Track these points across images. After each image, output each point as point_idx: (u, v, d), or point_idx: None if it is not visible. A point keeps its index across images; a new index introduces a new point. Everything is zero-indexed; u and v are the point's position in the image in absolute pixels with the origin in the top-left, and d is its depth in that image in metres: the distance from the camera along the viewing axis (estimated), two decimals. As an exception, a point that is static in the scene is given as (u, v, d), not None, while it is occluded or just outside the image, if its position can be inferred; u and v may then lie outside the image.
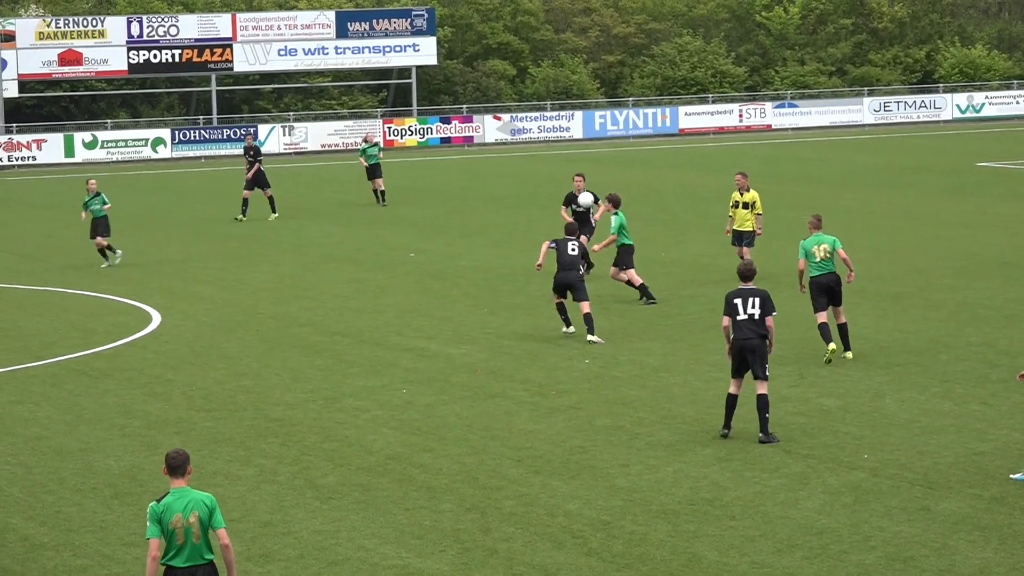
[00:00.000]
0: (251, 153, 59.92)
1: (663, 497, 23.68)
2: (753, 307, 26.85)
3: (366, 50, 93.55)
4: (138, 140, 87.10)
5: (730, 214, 42.56)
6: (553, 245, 35.66)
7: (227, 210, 62.44)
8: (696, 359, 33.34)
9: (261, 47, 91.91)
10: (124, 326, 38.65)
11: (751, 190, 42.26)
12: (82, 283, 44.91)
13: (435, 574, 20.62)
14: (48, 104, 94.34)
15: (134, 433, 28.46)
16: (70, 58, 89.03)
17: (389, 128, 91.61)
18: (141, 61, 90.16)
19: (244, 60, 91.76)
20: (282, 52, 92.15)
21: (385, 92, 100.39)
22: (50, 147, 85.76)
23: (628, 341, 35.44)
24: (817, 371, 31.82)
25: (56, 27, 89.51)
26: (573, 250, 35.37)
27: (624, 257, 39.79)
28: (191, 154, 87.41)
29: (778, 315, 27.78)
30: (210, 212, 63.53)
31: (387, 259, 48.78)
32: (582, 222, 41.93)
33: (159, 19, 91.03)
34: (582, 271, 35.60)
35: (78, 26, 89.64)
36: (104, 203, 48.01)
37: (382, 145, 63.27)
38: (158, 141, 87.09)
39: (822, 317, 32.96)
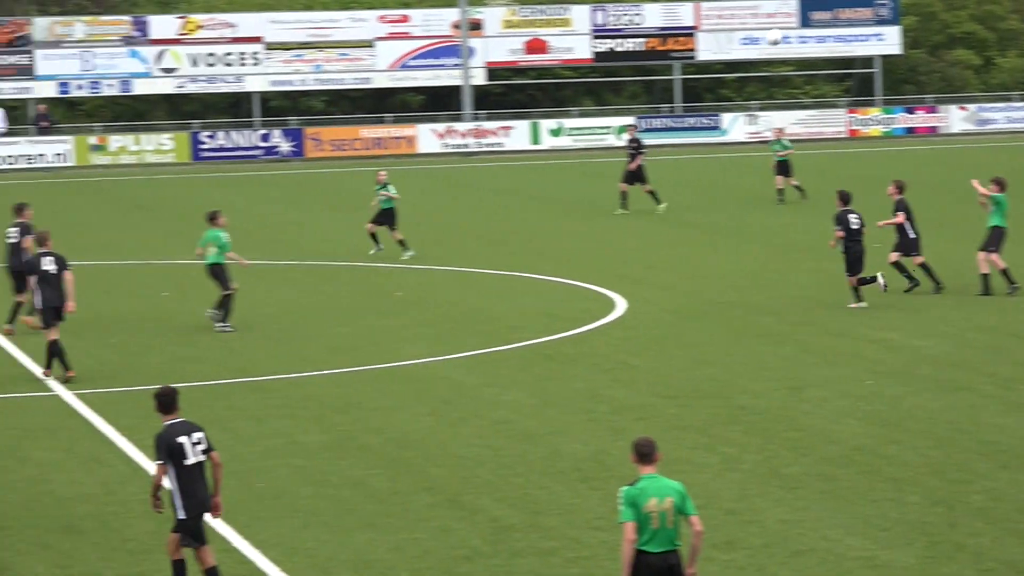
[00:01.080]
0: (634, 145, 59.22)
1: None
2: None
3: (829, 39, 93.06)
4: (603, 128, 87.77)
5: None
6: None
7: (682, 198, 62.40)
8: None
9: (724, 36, 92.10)
10: (589, 312, 38.96)
11: None
12: (546, 268, 45.35)
13: (902, 567, 20.41)
14: (514, 92, 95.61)
15: (600, 418, 28.72)
16: (536, 46, 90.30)
17: (853, 118, 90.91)
18: (605, 50, 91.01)
19: (707, 49, 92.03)
20: (744, 41, 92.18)
21: (849, 81, 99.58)
22: (517, 134, 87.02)
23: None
24: None
25: (522, 16, 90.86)
26: None
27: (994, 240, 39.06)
28: (656, 142, 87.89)
29: None
30: (675, 200, 63.57)
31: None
32: None
33: (623, 8, 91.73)
34: None
35: (543, 15, 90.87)
36: (394, 193, 47.27)
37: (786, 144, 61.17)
38: (621, 129, 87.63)
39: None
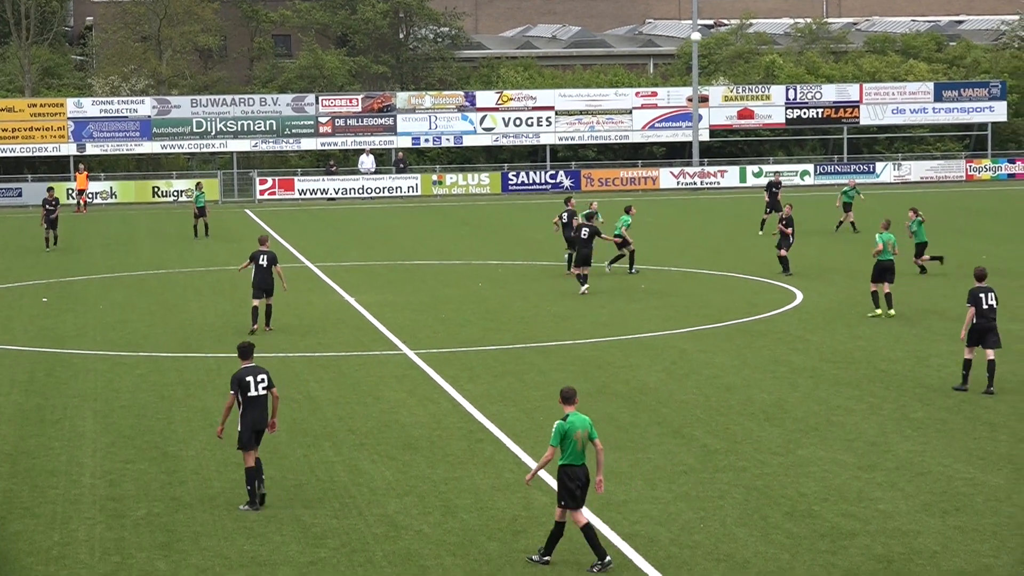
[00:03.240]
0: (775, 187, 57.60)
1: None
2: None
3: (955, 110, 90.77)
4: (791, 171, 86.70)
5: None
6: None
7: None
8: None
9: (880, 107, 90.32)
10: (777, 301, 38.56)
11: None
12: (748, 269, 44.76)
13: (993, 486, 20.06)
14: (729, 145, 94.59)
15: (781, 376, 28.48)
16: (745, 114, 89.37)
17: (970, 166, 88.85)
18: (795, 116, 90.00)
19: (867, 116, 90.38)
20: (894, 111, 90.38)
21: (968, 140, 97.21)
22: (729, 175, 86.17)
23: None
24: None
25: (736, 92, 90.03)
26: None
27: None
28: (828, 182, 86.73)
29: None
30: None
31: None
32: None
33: (808, 87, 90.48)
34: None
35: (751, 92, 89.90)
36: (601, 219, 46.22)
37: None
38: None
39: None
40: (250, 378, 19.91)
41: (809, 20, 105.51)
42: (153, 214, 73.74)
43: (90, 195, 79.34)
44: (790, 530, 18.43)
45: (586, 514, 17.35)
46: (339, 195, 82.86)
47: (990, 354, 26.18)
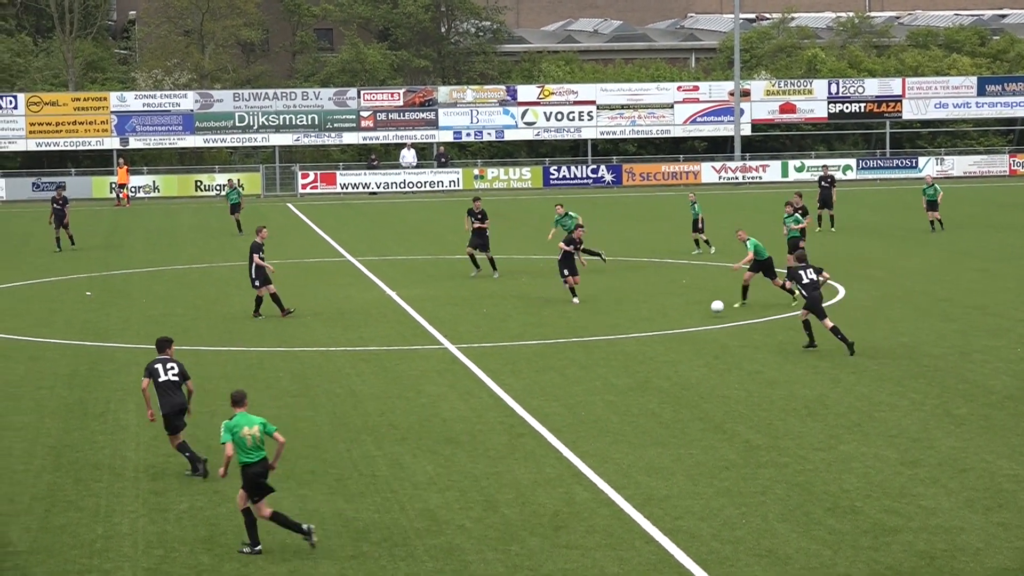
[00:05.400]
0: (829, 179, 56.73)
1: None
2: None
3: (998, 104, 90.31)
4: (833, 166, 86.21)
5: None
6: None
7: (884, 216, 61.14)
8: None
9: (922, 102, 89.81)
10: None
11: None
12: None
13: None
14: (771, 140, 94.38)
15: (823, 371, 28.33)
16: (787, 108, 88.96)
17: (1013, 160, 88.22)
18: (837, 111, 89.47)
19: (910, 111, 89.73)
20: (937, 106, 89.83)
21: (1011, 135, 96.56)
22: (771, 170, 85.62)
23: None
24: None
25: (778, 87, 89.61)
26: None
27: None
28: (870, 176, 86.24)
29: None
30: (880, 216, 62.30)
31: None
32: None
33: (850, 82, 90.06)
34: None
35: (793, 86, 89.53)
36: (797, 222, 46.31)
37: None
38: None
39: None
40: (159, 366, 21.45)
41: (851, 14, 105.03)
42: (196, 208, 74.03)
43: (133, 189, 79.72)
44: (832, 526, 18.36)
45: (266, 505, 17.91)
46: (380, 189, 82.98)
47: None
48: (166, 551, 18.00)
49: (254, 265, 35.51)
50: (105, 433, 24.14)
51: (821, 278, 30.44)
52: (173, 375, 21.42)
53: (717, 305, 35.23)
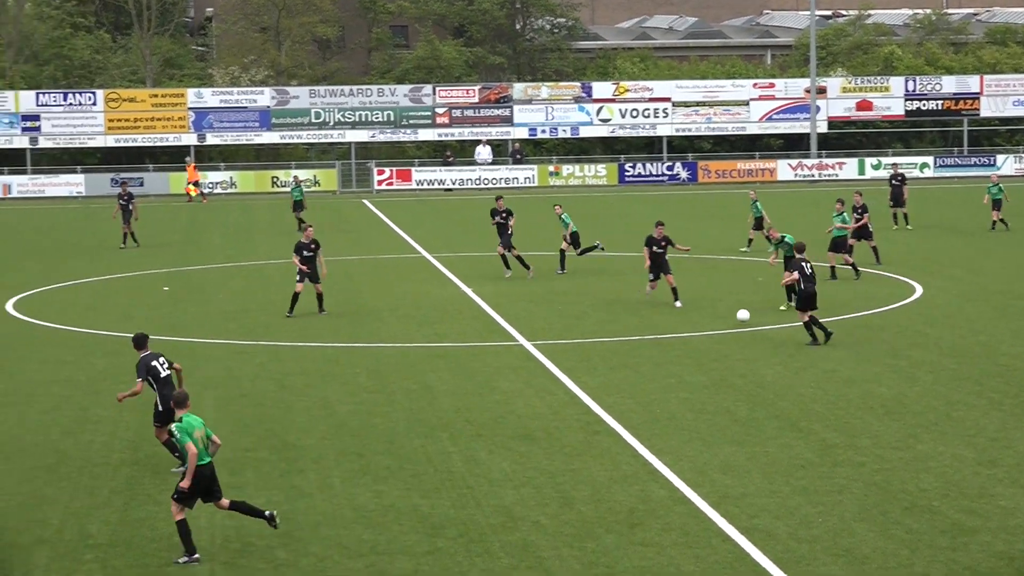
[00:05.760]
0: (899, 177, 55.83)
1: None
2: None
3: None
4: (911, 164, 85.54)
5: None
6: None
7: (962, 214, 60.54)
8: None
9: (1001, 99, 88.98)
10: (895, 295, 38.21)
11: None
12: (866, 262, 44.34)
13: None
14: (847, 137, 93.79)
15: (900, 369, 28.12)
16: (864, 105, 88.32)
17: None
18: (914, 108, 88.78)
19: (988, 108, 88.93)
20: (1016, 103, 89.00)
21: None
22: (848, 167, 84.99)
23: None
24: None
25: (855, 84, 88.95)
26: None
27: None
28: (948, 174, 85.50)
29: None
30: (959, 214, 61.68)
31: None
32: None
33: (927, 79, 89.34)
34: None
35: (870, 83, 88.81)
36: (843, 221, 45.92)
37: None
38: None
39: None
40: (155, 363, 21.31)
41: (928, 11, 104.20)
42: (272, 204, 74.48)
43: (210, 185, 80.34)
44: (910, 526, 18.24)
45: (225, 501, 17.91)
46: (456, 186, 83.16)
47: None
48: (243, 545, 18.13)
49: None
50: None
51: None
52: (166, 369, 21.46)
53: (743, 314, 34.08)
